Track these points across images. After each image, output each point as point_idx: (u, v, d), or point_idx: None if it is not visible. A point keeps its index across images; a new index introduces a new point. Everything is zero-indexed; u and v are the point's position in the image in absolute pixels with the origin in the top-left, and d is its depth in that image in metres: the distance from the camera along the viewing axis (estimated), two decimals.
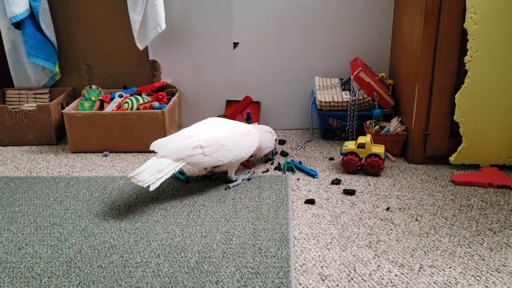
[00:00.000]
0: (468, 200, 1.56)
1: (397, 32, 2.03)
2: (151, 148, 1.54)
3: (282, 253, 1.28)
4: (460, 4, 1.59)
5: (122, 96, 2.11)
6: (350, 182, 1.70)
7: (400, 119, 1.93)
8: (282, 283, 1.16)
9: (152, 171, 1.47)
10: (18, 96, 2.25)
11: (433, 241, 1.34)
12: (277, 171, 1.81)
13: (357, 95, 1.99)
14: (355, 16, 2.09)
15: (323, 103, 2.01)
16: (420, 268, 1.22)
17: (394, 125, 1.90)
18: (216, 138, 1.57)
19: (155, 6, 2.00)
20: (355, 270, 1.22)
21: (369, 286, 1.16)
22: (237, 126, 1.66)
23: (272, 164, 1.87)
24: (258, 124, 1.91)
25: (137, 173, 1.46)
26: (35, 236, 1.40)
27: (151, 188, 1.46)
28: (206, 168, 1.82)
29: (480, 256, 1.27)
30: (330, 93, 2.04)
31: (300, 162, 1.85)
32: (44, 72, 2.26)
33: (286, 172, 1.79)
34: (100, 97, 2.13)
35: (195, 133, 1.57)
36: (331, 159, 1.91)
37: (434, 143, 1.78)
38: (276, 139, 1.86)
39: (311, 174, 1.75)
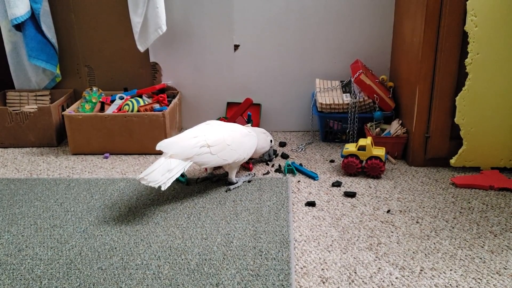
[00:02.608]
0: (469, 202, 1.56)
1: (397, 35, 2.03)
2: (157, 148, 1.54)
3: (282, 255, 1.28)
4: (461, 6, 1.60)
5: (123, 98, 2.11)
6: (351, 185, 1.70)
7: (400, 121, 1.93)
8: (282, 285, 1.16)
9: (163, 171, 1.48)
10: (19, 98, 2.25)
11: (434, 243, 1.34)
12: (277, 173, 1.81)
13: (357, 97, 1.99)
14: (356, 19, 2.09)
15: (324, 106, 2.01)
16: (421, 270, 1.22)
17: (394, 127, 1.90)
18: (222, 138, 1.59)
19: (156, 9, 2.00)
20: (355, 272, 1.22)
21: None
22: (238, 127, 1.69)
23: (272, 166, 1.87)
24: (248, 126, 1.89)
25: (147, 174, 1.46)
26: (35, 238, 1.40)
27: (163, 188, 1.45)
28: (206, 170, 1.82)
29: (481, 258, 1.27)
30: (330, 95, 2.04)
31: (301, 164, 1.85)
32: (45, 74, 2.26)
33: (287, 175, 1.78)
34: (100, 99, 2.13)
35: (201, 133, 1.59)
36: (332, 161, 1.91)
37: (434, 145, 1.78)
38: (271, 141, 1.86)
39: (312, 177, 1.75)
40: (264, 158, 1.89)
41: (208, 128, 1.63)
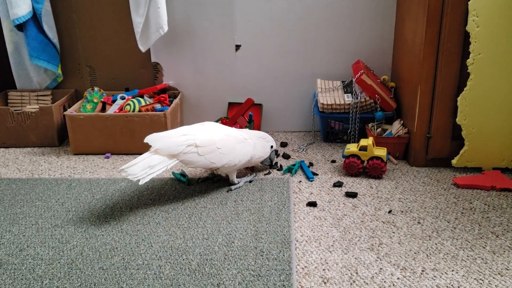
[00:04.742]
0: (471, 203, 1.56)
1: (399, 35, 2.03)
2: (145, 141, 1.53)
3: (283, 255, 1.28)
4: (463, 6, 1.59)
5: (124, 98, 2.11)
6: (352, 185, 1.70)
7: (402, 121, 1.93)
8: (283, 285, 1.16)
9: (144, 165, 1.47)
10: (20, 98, 2.26)
11: (436, 244, 1.33)
12: (278, 173, 1.80)
13: (359, 97, 1.99)
14: (357, 19, 2.09)
15: (325, 106, 2.01)
16: (423, 271, 1.22)
17: (396, 127, 1.90)
18: (212, 140, 1.56)
19: (158, 9, 2.00)
20: (357, 273, 1.22)
21: None
22: (234, 132, 1.64)
23: (276, 165, 1.85)
24: (248, 130, 1.80)
25: (128, 166, 1.46)
26: (36, 237, 1.40)
27: (141, 183, 1.45)
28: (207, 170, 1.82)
29: (482, 259, 1.26)
30: (332, 95, 2.04)
31: (311, 164, 1.85)
32: (46, 74, 2.26)
33: (291, 174, 1.78)
34: (102, 99, 2.13)
35: (192, 132, 1.57)
36: (333, 161, 1.90)
37: (436, 146, 1.78)
38: (272, 146, 1.76)
39: (308, 176, 1.75)
40: (265, 164, 1.82)
41: (202, 129, 1.60)
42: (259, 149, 1.71)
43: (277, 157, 1.94)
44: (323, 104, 2.00)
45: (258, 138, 1.73)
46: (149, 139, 1.54)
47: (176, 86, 2.26)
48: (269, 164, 1.83)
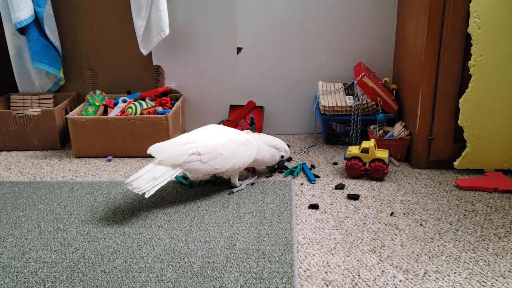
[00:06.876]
0: (473, 205, 1.55)
1: (400, 37, 2.03)
2: (148, 152, 1.54)
3: (286, 258, 1.28)
4: (464, 8, 1.59)
5: (126, 101, 2.12)
6: (354, 187, 1.70)
7: (404, 123, 1.92)
8: None
9: (148, 178, 1.47)
10: (22, 101, 2.26)
11: (438, 246, 1.33)
12: (280, 175, 1.80)
13: (360, 100, 1.99)
14: (359, 21, 2.09)
15: (327, 108, 2.01)
16: (425, 273, 1.22)
17: (398, 129, 1.90)
18: (215, 146, 1.56)
19: (159, 12, 2.01)
20: (359, 275, 1.21)
21: None
22: (237, 135, 1.64)
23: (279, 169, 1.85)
24: (263, 134, 1.78)
25: (133, 180, 1.46)
26: (38, 241, 1.40)
27: (146, 195, 1.46)
28: None
29: (485, 261, 1.26)
30: (333, 98, 2.04)
31: (312, 166, 1.86)
32: (48, 77, 2.27)
33: (292, 176, 1.78)
34: (104, 102, 2.14)
35: (194, 140, 1.56)
36: (335, 164, 1.90)
37: (438, 147, 1.78)
38: (282, 156, 1.76)
39: (309, 179, 1.75)
40: (268, 168, 1.82)
41: (203, 135, 1.60)
42: (265, 155, 1.70)
43: (288, 161, 1.92)
44: (324, 106, 2.00)
45: (269, 146, 1.71)
46: (152, 150, 1.54)
47: (177, 89, 2.27)
48: (271, 170, 1.83)
